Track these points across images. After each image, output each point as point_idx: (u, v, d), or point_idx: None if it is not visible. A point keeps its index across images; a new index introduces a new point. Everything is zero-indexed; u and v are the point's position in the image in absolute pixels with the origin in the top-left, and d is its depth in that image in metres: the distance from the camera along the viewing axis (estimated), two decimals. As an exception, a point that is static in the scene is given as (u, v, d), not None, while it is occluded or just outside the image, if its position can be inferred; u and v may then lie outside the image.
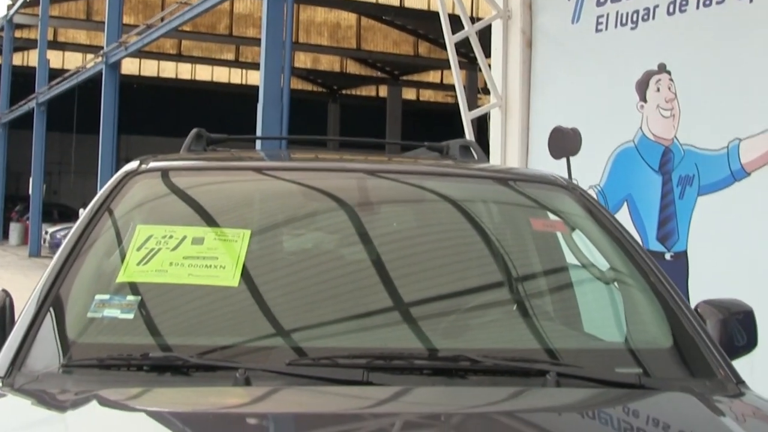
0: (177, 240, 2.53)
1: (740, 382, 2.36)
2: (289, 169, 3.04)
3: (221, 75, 42.92)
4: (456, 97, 7.23)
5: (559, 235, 2.85)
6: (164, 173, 2.86)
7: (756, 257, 5.29)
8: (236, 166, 3.06)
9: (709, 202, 5.63)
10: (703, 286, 5.44)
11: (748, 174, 5.41)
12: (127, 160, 3.03)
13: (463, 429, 2.03)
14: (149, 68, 41.72)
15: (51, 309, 2.37)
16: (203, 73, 42.76)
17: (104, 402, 2.00)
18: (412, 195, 2.91)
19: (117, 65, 21.40)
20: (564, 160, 6.48)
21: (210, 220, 2.68)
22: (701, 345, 2.40)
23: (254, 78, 35.76)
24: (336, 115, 45.30)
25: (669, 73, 5.83)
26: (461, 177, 3.00)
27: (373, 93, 45.49)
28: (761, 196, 5.32)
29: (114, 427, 1.92)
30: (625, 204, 6.08)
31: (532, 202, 2.93)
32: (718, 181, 5.58)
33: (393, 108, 41.52)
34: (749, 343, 2.74)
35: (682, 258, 5.79)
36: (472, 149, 3.33)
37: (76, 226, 2.64)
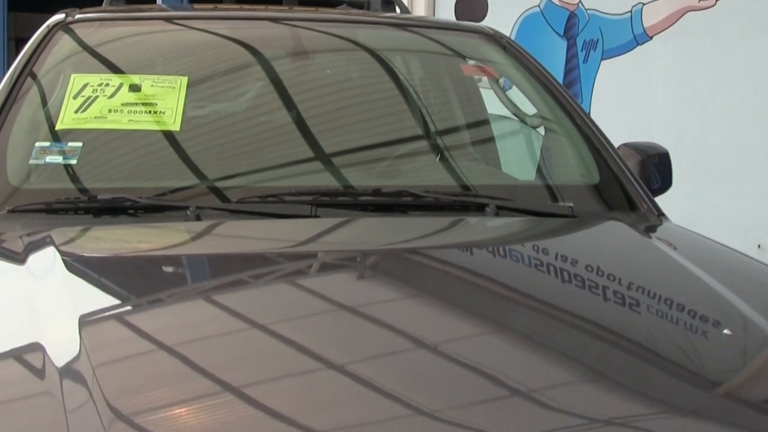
0: (114, 87, 2.52)
1: (661, 214, 2.52)
2: (220, 18, 3.03)
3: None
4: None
5: (486, 81, 2.93)
6: (92, 23, 2.82)
7: (654, 120, 5.50)
8: (165, 16, 3.03)
9: (612, 66, 5.80)
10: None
11: (650, 38, 5.57)
12: (17, 39, 2.96)
13: (412, 252, 2.12)
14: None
15: None
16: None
17: (58, 237, 2.02)
18: (343, 44, 2.94)
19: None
20: (470, 26, 6.55)
21: (145, 68, 2.67)
22: (625, 181, 2.55)
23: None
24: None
25: (575, -63, 5.91)
26: (390, 26, 3.04)
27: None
28: (662, 59, 5.50)
29: (77, 265, 1.94)
30: (531, 69, 6.20)
31: (459, 49, 3.00)
32: (621, 45, 5.73)
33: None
34: (664, 184, 2.91)
35: (585, 121, 5.97)
36: (395, 4, 3.36)
37: (6, 79, 2.61)
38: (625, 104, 5.69)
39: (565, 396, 1.42)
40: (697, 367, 1.62)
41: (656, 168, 2.87)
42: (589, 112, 5.92)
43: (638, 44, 5.63)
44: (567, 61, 6.02)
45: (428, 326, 1.65)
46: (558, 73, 6.01)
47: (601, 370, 1.56)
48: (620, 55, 5.74)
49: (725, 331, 1.71)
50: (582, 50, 5.94)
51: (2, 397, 1.39)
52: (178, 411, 1.36)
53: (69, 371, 1.39)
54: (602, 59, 5.85)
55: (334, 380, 1.44)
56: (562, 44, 6.04)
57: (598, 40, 5.85)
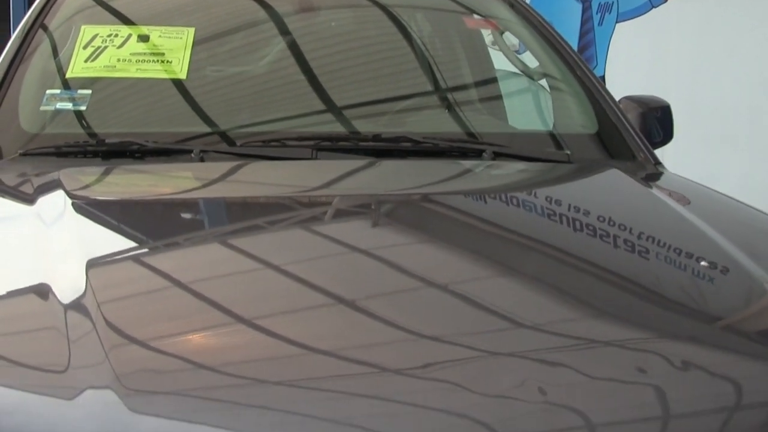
0: (122, 38, 2.59)
1: (658, 163, 2.57)
2: None
3: None
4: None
5: (490, 34, 2.98)
6: None
7: (669, 82, 5.51)
8: None
9: (626, 29, 5.81)
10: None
11: (666, 0, 5.57)
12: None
13: (409, 194, 2.18)
14: None
15: (2, 105, 2.43)
16: None
17: (68, 177, 2.09)
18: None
19: None
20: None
21: (154, 20, 2.73)
22: (623, 130, 2.59)
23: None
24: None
25: None
26: None
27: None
28: (677, 22, 5.50)
29: (84, 207, 2.00)
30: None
31: (466, 3, 3.04)
32: (636, 7, 5.74)
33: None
34: (666, 136, 2.95)
35: (599, 84, 5.99)
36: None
37: (18, 31, 2.68)
38: (639, 67, 5.70)
39: (559, 321, 1.51)
40: (677, 298, 1.68)
41: (657, 121, 2.91)
42: (604, 75, 5.95)
43: (653, 7, 5.63)
44: (582, 24, 6.03)
45: (424, 262, 1.71)
46: (573, 36, 6.03)
47: (590, 299, 1.63)
48: (635, 17, 5.75)
49: (702, 263, 1.76)
50: (597, 13, 5.96)
51: (8, 331, 1.45)
52: (180, 341, 1.42)
53: (74, 307, 1.43)
54: (617, 22, 5.87)
55: (335, 312, 1.50)
56: (578, 7, 6.06)
57: (613, 2, 5.86)
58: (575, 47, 6.03)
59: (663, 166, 2.57)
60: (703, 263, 1.77)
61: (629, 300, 1.67)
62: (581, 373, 1.34)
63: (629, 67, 5.72)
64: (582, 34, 6.03)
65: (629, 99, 2.91)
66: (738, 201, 2.27)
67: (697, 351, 1.48)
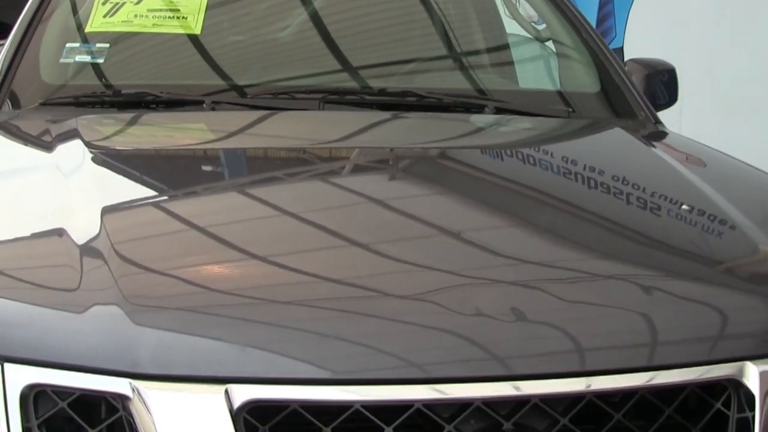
0: None
1: (658, 122, 2.63)
2: None
3: None
4: None
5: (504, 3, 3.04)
6: None
7: (688, 52, 5.52)
8: None
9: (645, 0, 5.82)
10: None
11: (684, -29, 5.58)
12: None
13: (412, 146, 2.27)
14: None
15: (24, 58, 2.53)
16: None
17: (85, 125, 2.18)
18: None
19: None
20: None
21: None
22: (625, 91, 2.65)
23: None
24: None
25: None
26: None
27: None
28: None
29: (100, 154, 2.09)
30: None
31: None
32: (655, -22, 5.75)
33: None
34: (671, 99, 3.01)
35: (617, 54, 6.02)
36: None
37: None
38: (658, 37, 5.71)
39: (552, 258, 1.62)
40: (664, 239, 1.78)
41: (663, 83, 2.97)
42: (623, 45, 5.97)
43: (672, -23, 5.65)
44: (601, -5, 6.05)
45: (430, 206, 1.82)
46: (593, 7, 6.05)
47: (583, 241, 1.74)
48: (654, -13, 5.76)
49: (683, 207, 1.84)
50: (616, -16, 5.97)
51: (25, 264, 1.54)
52: (185, 271, 1.50)
53: (88, 245, 1.51)
54: (636, -7, 5.88)
55: (338, 244, 1.61)
56: (597, -22, 6.07)
57: (632, -28, 5.87)
58: (595, 19, 6.06)
59: (663, 125, 2.64)
60: (689, 210, 1.85)
61: (620, 242, 1.77)
62: (565, 300, 1.45)
63: (649, 38, 5.73)
64: (601, 5, 6.04)
65: (635, 61, 2.97)
66: (734, 158, 2.33)
67: (675, 283, 1.58)
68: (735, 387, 1.37)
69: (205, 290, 1.43)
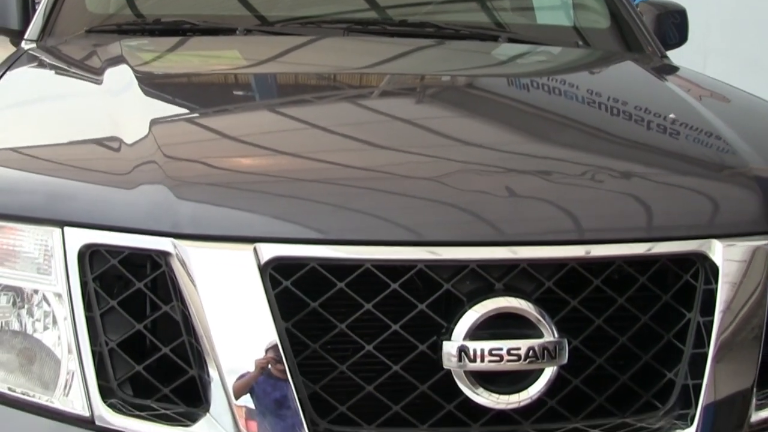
0: None
1: (664, 56, 2.80)
2: None
3: None
4: None
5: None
6: None
7: (710, 6, 5.62)
8: None
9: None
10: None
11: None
12: None
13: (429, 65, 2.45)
14: None
15: None
16: None
17: (130, 49, 2.38)
18: None
19: None
20: None
21: None
22: (633, 27, 2.82)
23: None
24: None
25: None
26: None
27: None
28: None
29: (145, 75, 2.27)
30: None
31: None
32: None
33: None
34: (681, 39, 3.17)
35: None
36: None
37: None
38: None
39: (559, 155, 1.80)
40: (658, 145, 1.96)
41: (674, 24, 3.14)
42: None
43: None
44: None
45: (450, 115, 2.03)
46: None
47: (585, 142, 1.95)
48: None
49: (671, 116, 2.01)
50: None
51: (80, 157, 1.72)
52: (223, 160, 1.68)
53: (137, 145, 1.66)
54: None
55: (358, 142, 1.81)
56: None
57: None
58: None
59: (669, 59, 2.80)
60: (684, 125, 2.01)
61: (615, 145, 1.95)
62: (556, 183, 1.65)
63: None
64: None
65: (647, 2, 3.14)
66: (736, 88, 2.49)
67: (655, 173, 1.76)
68: (702, 261, 1.56)
69: (237, 171, 1.63)
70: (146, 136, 1.68)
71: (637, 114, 2.09)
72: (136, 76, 2.10)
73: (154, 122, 1.76)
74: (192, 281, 1.44)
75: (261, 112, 2.05)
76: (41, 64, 2.45)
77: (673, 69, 2.64)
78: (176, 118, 1.98)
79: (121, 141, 1.67)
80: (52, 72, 2.47)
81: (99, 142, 1.77)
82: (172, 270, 1.46)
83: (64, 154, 1.72)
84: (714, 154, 1.86)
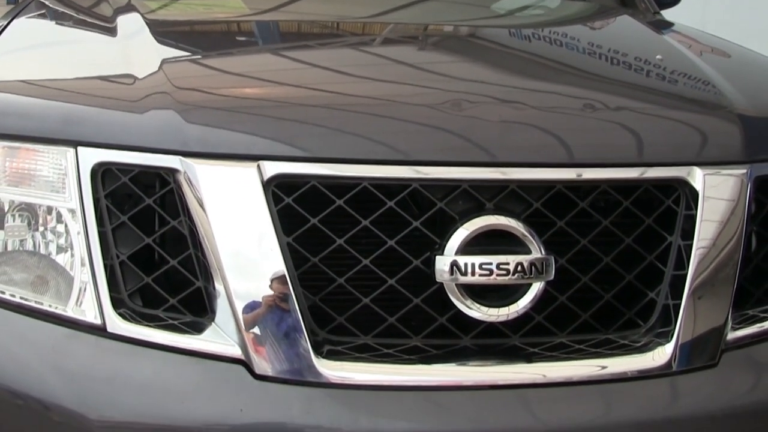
0: None
1: (657, 12, 2.88)
2: None
3: None
4: None
5: None
6: None
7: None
8: None
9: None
10: None
11: None
12: None
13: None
14: None
15: None
16: None
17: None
18: None
19: None
20: None
21: None
22: None
23: None
24: None
25: None
26: None
27: None
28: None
29: (156, 22, 2.28)
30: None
31: None
32: None
33: None
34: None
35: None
36: None
37: None
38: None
39: (553, 90, 1.89)
40: (643, 82, 2.03)
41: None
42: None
43: None
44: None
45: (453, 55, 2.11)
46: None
47: (578, 80, 2.02)
48: None
49: (657, 56, 2.09)
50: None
51: (92, 86, 1.79)
52: (228, 90, 1.76)
53: (149, 78, 1.72)
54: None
55: (359, 71, 1.90)
56: None
57: None
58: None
59: (661, 15, 2.88)
60: (674, 71, 2.09)
61: (606, 82, 2.02)
62: (547, 111, 1.72)
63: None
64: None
65: None
66: (726, 40, 2.56)
67: (643, 105, 1.85)
68: (683, 187, 1.64)
69: (243, 98, 1.72)
70: (157, 72, 1.75)
71: (629, 58, 2.16)
72: (146, 22, 2.16)
73: (164, 61, 1.83)
74: (199, 197, 1.52)
75: (266, 54, 2.13)
76: (51, 10, 2.52)
77: (666, 23, 2.72)
78: (185, 58, 2.05)
79: (133, 76, 1.75)
80: (62, 17, 2.53)
81: (111, 76, 1.84)
82: (179, 187, 1.54)
83: (79, 85, 1.79)
84: (699, 92, 1.94)
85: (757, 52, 2.42)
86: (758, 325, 1.69)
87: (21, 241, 1.61)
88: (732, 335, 1.66)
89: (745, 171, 1.67)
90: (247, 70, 1.92)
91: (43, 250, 1.60)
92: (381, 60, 2.02)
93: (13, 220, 1.62)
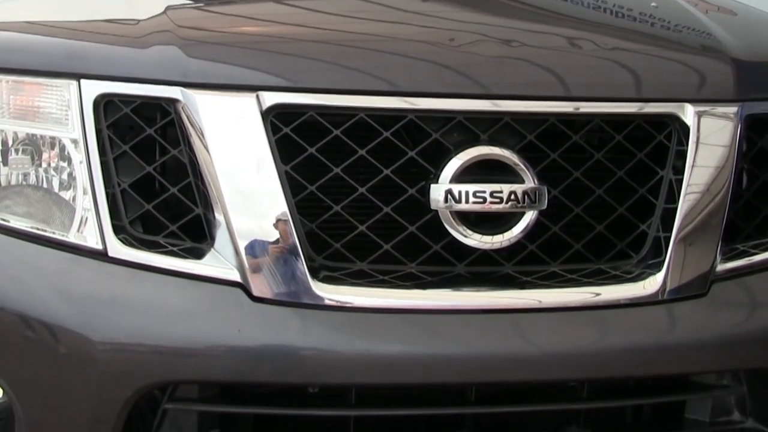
0: None
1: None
2: None
3: None
4: None
5: None
6: None
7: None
8: None
9: None
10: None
11: None
12: None
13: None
14: None
15: None
16: None
17: None
18: None
19: None
20: None
21: None
22: None
23: None
24: None
25: None
26: None
27: None
28: None
29: None
30: None
31: None
32: None
33: None
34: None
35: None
36: None
37: None
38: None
39: (552, 31, 1.92)
40: (644, 29, 2.06)
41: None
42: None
43: None
44: None
45: None
46: None
47: (577, 23, 2.05)
48: None
49: (652, 4, 2.12)
50: None
51: (96, 21, 1.79)
52: (228, 27, 1.78)
53: (153, 18, 1.73)
54: None
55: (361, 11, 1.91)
56: None
57: None
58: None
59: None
60: (676, 23, 2.11)
61: (603, 26, 2.05)
62: (542, 48, 1.76)
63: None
64: None
65: None
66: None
67: (638, 46, 1.88)
68: (675, 123, 1.67)
69: (243, 35, 1.75)
70: (161, 14, 1.78)
71: (627, 6, 2.18)
72: None
73: (169, 8, 1.86)
74: (199, 127, 1.55)
75: (267, 1, 2.14)
76: None
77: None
78: (189, 5, 2.08)
79: (136, 18, 1.78)
80: None
81: (115, 19, 1.87)
82: (180, 117, 1.57)
83: (82, 24, 1.83)
84: (694, 36, 1.97)
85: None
86: (747, 258, 1.73)
87: (24, 174, 1.65)
88: (721, 267, 1.69)
89: (736, 109, 1.71)
90: (248, 12, 1.95)
91: (45, 180, 1.63)
92: (380, 5, 2.04)
93: (17, 154, 1.65)
